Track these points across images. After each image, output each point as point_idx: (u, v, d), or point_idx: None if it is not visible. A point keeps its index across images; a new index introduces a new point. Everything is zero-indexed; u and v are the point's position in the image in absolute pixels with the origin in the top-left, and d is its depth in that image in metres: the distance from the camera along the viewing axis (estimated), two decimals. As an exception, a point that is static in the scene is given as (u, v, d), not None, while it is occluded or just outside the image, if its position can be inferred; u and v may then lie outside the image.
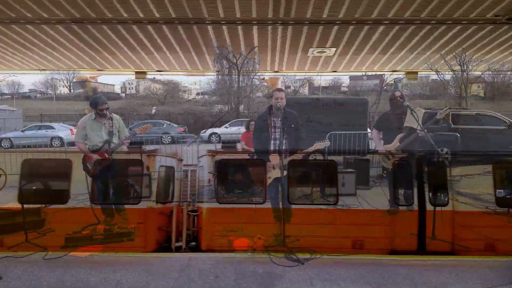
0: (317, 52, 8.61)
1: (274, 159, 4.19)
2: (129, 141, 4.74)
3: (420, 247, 3.75)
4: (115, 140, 4.64)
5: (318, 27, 7.36)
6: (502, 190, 3.92)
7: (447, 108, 4.54)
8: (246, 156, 5.53)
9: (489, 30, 7.67)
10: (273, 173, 4.22)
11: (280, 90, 4.45)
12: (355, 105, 9.47)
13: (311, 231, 3.78)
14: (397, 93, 4.79)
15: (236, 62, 22.57)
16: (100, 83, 49.38)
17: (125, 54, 9.35)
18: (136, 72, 10.78)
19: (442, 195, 3.92)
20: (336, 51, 8.60)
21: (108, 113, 4.62)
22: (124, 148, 4.75)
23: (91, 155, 4.49)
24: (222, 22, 7.00)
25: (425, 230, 3.78)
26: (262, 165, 4.21)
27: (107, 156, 4.52)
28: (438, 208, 3.84)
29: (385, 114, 4.94)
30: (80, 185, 4.28)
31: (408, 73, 11.13)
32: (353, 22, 7.07)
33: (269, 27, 7.39)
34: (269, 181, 4.28)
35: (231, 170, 4.50)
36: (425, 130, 4.29)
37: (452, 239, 3.81)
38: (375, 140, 5.00)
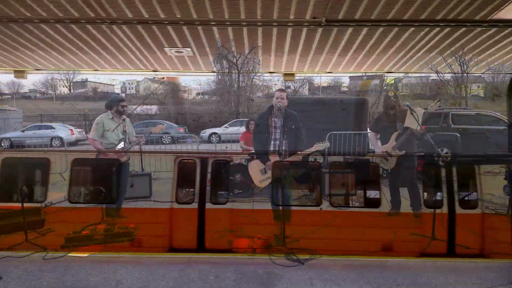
0: (175, 51, 8.64)
1: (274, 159, 4.20)
2: (144, 140, 4.98)
3: (200, 246, 3.81)
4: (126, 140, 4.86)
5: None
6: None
7: (437, 100, 4.57)
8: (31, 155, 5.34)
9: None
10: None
11: (281, 90, 4.47)
12: (355, 105, 9.48)
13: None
14: (391, 93, 4.80)
15: (236, 62, 22.56)
16: (100, 83, 49.34)
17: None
18: (15, 71, 10.73)
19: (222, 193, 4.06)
20: (193, 51, 8.63)
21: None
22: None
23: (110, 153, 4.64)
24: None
25: (204, 228, 3.84)
26: (45, 164, 4.19)
27: (123, 154, 4.67)
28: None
29: (380, 116, 4.97)
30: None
31: (285, 74, 11.18)
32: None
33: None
34: (268, 181, 4.29)
35: (15, 170, 4.30)
36: (421, 127, 4.31)
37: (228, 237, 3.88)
38: (372, 142, 5.03)
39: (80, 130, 18.94)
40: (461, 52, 9.37)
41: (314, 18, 6.06)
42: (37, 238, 4.03)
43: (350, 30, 7.27)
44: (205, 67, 10.75)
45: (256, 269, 3.35)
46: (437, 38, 7.82)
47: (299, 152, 4.19)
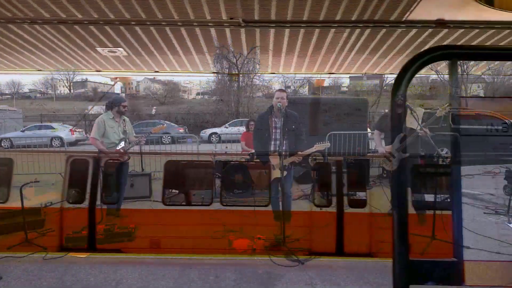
0: (108, 51, 8.57)
1: (274, 159, 4.20)
2: (144, 140, 5.07)
3: (90, 245, 3.85)
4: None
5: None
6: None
7: (447, 104, 4.49)
8: None
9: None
10: (274, 173, 4.23)
11: (281, 90, 4.47)
12: (355, 105, 9.46)
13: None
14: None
15: (236, 62, 22.57)
16: (100, 83, 49.38)
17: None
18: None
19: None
20: (126, 51, 8.54)
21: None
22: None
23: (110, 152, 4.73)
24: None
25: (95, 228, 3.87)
26: None
27: (124, 153, 4.81)
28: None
29: (387, 114, 4.92)
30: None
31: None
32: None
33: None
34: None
35: None
36: (426, 130, 4.26)
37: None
38: (376, 141, 4.95)
39: (80, 130, 18.96)
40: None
41: (231, 18, 6.02)
42: (37, 238, 4.03)
43: (272, 31, 7.25)
44: (145, 67, 10.70)
45: (256, 269, 3.35)
46: (363, 38, 7.77)
47: (300, 152, 4.19)
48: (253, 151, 6.03)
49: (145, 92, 46.38)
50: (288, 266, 3.39)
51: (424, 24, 6.37)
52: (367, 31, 7.19)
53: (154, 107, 34.64)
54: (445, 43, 7.83)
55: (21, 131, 17.83)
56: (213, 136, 19.03)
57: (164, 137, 14.64)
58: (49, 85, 46.38)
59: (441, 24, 5.93)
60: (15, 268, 3.35)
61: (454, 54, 2.09)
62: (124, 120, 4.95)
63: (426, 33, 7.46)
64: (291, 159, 4.17)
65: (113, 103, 4.88)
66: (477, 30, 6.76)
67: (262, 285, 3.07)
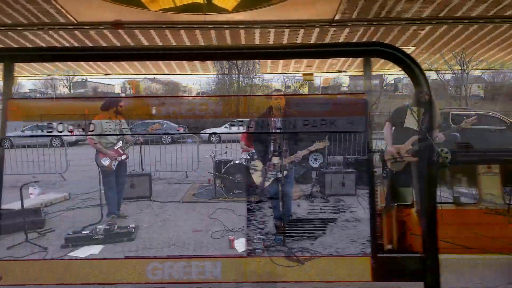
0: None
1: (274, 159, 4.20)
2: (141, 139, 5.04)
3: None
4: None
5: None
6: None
7: (473, 118, 4.08)
8: None
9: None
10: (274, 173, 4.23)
11: (279, 90, 4.46)
12: (355, 105, 9.44)
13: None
14: None
15: (236, 62, 22.58)
16: (100, 83, 49.43)
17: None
18: None
19: None
20: None
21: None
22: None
23: (108, 152, 4.79)
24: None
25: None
26: None
27: (122, 152, 4.89)
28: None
29: (405, 109, 4.25)
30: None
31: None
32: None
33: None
34: (269, 181, 4.30)
35: None
36: (446, 134, 4.03)
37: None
38: (386, 135, 4.44)
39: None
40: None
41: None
42: (37, 238, 4.04)
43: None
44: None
45: (256, 269, 3.35)
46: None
47: (299, 151, 4.19)
48: (253, 151, 6.04)
49: (145, 92, 46.44)
50: (288, 266, 3.39)
51: (105, 26, 6.22)
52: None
53: (154, 107, 34.61)
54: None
55: (21, 131, 17.82)
56: (213, 136, 19.02)
57: (164, 137, 14.65)
58: (49, 85, 46.45)
59: (118, 25, 5.84)
60: (15, 268, 3.35)
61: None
62: (120, 120, 4.94)
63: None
64: (291, 159, 4.17)
65: (110, 104, 4.88)
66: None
67: (262, 285, 3.07)
